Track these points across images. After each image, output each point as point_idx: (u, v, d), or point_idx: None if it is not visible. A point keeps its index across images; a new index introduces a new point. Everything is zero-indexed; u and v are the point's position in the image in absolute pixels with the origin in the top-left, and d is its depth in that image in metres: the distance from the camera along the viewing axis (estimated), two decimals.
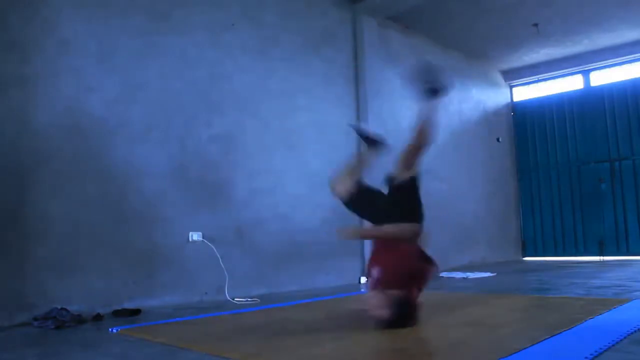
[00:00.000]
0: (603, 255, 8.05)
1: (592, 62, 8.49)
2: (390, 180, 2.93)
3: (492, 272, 6.10)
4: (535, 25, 7.17)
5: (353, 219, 5.61)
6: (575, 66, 8.65)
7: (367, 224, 3.28)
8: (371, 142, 3.36)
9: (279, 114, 5.25)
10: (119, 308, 3.67)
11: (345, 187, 3.10)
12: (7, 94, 3.48)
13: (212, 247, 4.44)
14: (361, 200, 3.09)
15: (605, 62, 8.41)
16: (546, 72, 8.97)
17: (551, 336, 2.25)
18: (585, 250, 8.41)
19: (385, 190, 3.00)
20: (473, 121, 8.39)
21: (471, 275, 5.79)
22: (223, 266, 4.47)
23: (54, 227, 3.59)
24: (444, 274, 5.81)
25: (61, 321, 3.16)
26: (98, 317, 3.43)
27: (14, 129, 3.50)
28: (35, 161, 3.57)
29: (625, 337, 2.20)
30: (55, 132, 3.68)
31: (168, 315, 3.50)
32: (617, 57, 8.26)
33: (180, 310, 3.76)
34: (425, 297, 4.13)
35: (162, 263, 4.14)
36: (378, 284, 2.64)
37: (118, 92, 4.05)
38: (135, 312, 3.62)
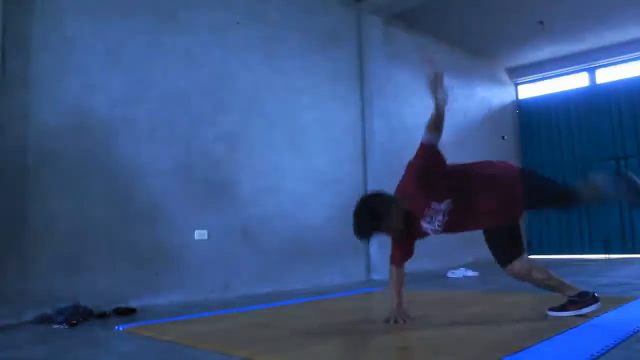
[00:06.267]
0: (609, 253, 8.02)
1: (597, 60, 8.46)
2: None
3: (496, 270, 6.07)
4: (541, 22, 7.14)
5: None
6: (580, 64, 8.62)
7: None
8: None
9: (285, 112, 5.26)
10: (115, 307, 3.63)
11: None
12: (14, 92, 3.50)
13: (218, 245, 4.46)
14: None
15: (611, 59, 8.38)
16: (552, 70, 8.95)
17: (556, 334, 2.25)
18: (590, 249, 8.37)
19: None
20: (478, 119, 8.37)
21: (476, 273, 5.78)
22: (228, 264, 4.49)
23: (60, 225, 3.62)
24: (448, 273, 5.81)
25: (76, 318, 3.20)
26: (104, 315, 3.45)
27: (21, 128, 3.52)
28: (42, 160, 3.59)
29: (631, 335, 2.20)
30: (61, 131, 3.70)
31: (174, 313, 3.51)
32: (622, 55, 8.22)
33: (186, 308, 3.78)
34: (429, 295, 4.14)
35: (168, 261, 4.16)
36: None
37: (124, 91, 4.07)
38: (131, 311, 3.63)
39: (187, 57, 4.51)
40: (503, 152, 8.87)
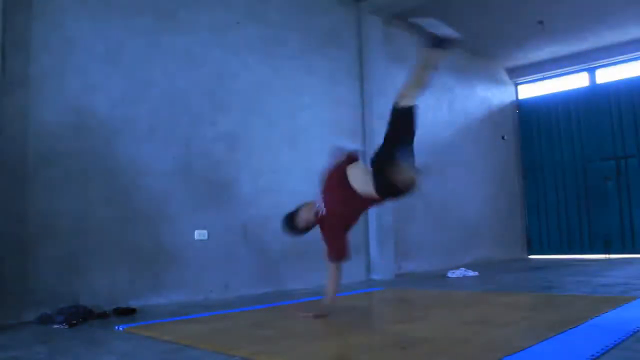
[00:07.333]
0: (609, 253, 8.02)
1: (597, 60, 8.45)
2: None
3: (497, 270, 6.08)
4: (541, 22, 7.14)
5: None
6: (580, 63, 8.61)
7: None
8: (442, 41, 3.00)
9: (284, 112, 5.26)
10: (115, 307, 3.65)
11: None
12: (14, 93, 3.50)
13: (218, 245, 4.46)
14: None
15: (611, 59, 8.37)
16: (551, 70, 8.94)
17: (556, 334, 2.25)
18: (591, 248, 8.37)
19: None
20: (478, 119, 8.37)
21: (476, 273, 5.78)
22: (228, 264, 4.49)
23: (60, 225, 3.62)
24: (448, 273, 5.81)
25: (77, 318, 3.20)
26: (104, 315, 3.45)
27: (20, 128, 3.52)
28: (41, 160, 3.59)
29: (631, 335, 2.20)
30: (61, 131, 3.70)
31: (174, 313, 3.52)
32: (622, 55, 8.21)
33: (185, 308, 3.78)
34: (429, 295, 4.14)
35: (167, 261, 4.16)
36: None
37: (124, 91, 4.07)
38: (131, 311, 3.63)
39: (187, 57, 4.51)
40: (503, 152, 8.88)
